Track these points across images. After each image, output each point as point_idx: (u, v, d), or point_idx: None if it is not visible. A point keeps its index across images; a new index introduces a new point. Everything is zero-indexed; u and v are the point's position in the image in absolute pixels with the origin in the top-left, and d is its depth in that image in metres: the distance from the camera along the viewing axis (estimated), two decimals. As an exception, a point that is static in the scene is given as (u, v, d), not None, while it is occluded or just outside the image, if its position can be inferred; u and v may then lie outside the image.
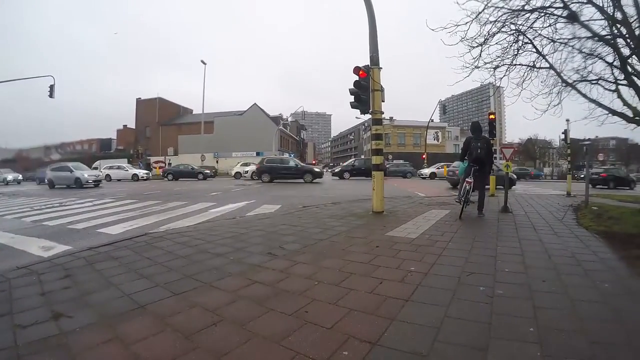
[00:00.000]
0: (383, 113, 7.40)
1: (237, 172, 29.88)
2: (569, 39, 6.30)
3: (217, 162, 39.61)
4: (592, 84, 6.41)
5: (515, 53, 6.70)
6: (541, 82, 6.92)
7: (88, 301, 2.63)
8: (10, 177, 31.48)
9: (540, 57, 6.65)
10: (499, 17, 6.31)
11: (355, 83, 7.27)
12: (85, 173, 21.09)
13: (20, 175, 33.21)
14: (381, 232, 5.14)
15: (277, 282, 2.99)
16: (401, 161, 37.18)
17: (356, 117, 64.12)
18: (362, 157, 45.88)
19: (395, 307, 2.40)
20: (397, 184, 19.58)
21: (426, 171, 30.07)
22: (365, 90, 7.24)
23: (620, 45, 5.80)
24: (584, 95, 6.37)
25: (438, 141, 55.25)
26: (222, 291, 2.78)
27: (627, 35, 5.60)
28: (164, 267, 3.46)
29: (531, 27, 6.42)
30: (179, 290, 2.81)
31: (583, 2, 5.86)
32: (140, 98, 60.04)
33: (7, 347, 1.97)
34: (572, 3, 5.86)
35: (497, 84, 7.48)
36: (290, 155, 47.15)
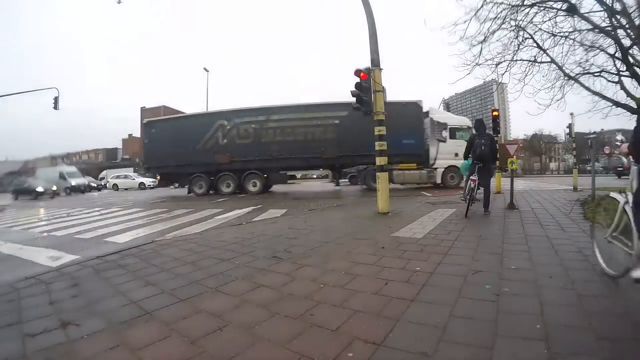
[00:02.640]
0: (385, 114, 7.39)
1: None
2: (570, 32, 6.30)
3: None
4: (595, 76, 6.38)
5: (516, 49, 6.70)
6: (543, 76, 6.93)
7: (95, 309, 2.66)
8: None
9: (541, 52, 6.64)
10: (498, 14, 6.32)
11: (357, 85, 7.28)
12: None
13: None
14: (387, 232, 5.13)
15: (283, 285, 2.99)
16: None
17: (360, 119, 63.91)
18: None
19: (400, 307, 2.40)
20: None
21: None
22: (367, 91, 7.24)
23: (621, 37, 5.77)
24: (587, 88, 6.34)
25: (443, 139, 54.89)
26: (227, 296, 2.80)
27: (627, 26, 5.56)
28: (170, 274, 3.48)
29: (531, 22, 6.42)
30: (185, 296, 2.82)
31: None
32: (144, 107, 60.44)
33: (16, 355, 1.99)
34: None
35: (500, 80, 7.47)
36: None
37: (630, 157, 2.76)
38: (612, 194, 3.08)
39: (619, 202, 2.82)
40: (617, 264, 2.73)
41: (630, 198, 2.58)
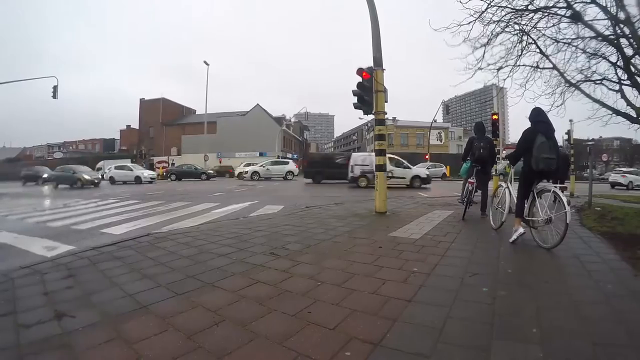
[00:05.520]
0: (386, 114, 7.38)
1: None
2: (573, 39, 6.27)
3: (220, 162, 39.56)
4: (596, 84, 6.37)
5: (519, 54, 6.67)
6: (544, 82, 6.90)
7: (91, 301, 2.64)
8: None
9: (544, 58, 6.62)
10: (502, 17, 6.29)
11: (359, 84, 7.27)
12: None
13: None
14: (384, 232, 5.13)
15: (280, 282, 2.98)
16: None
17: (359, 118, 63.95)
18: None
19: (398, 307, 2.40)
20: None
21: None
22: (369, 91, 7.24)
23: (623, 45, 5.76)
24: (588, 96, 6.34)
25: (441, 141, 55.09)
26: (224, 291, 2.79)
27: (630, 35, 5.56)
28: (166, 268, 3.47)
29: (535, 27, 6.40)
30: (182, 290, 2.81)
31: (587, 2, 5.83)
32: (143, 98, 60.16)
33: (10, 346, 1.98)
34: (576, 3, 5.82)
35: (501, 85, 7.46)
36: (294, 156, 47.12)
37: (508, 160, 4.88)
38: (500, 182, 6.15)
39: (503, 187, 5.24)
40: (497, 222, 5.27)
41: (510, 186, 5.01)
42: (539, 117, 4.35)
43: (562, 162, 4.38)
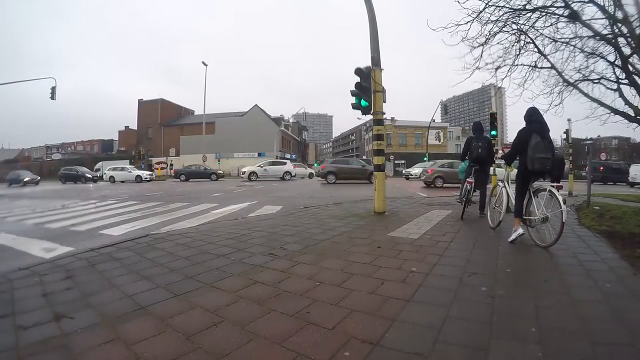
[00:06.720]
0: (384, 114, 7.38)
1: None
2: (571, 39, 6.30)
3: (218, 161, 39.39)
4: (594, 83, 6.40)
5: (517, 53, 6.69)
6: (542, 82, 6.93)
7: (89, 302, 2.63)
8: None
9: (542, 57, 6.64)
10: (500, 17, 6.31)
11: (357, 84, 7.25)
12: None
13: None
14: (383, 232, 5.13)
15: (279, 282, 2.98)
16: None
17: (357, 118, 63.95)
18: (364, 157, 45.52)
19: (396, 307, 2.40)
20: (398, 184, 19.53)
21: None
22: (367, 92, 7.21)
23: (621, 45, 5.78)
24: (586, 95, 6.36)
25: (439, 141, 55.15)
26: (223, 292, 2.78)
27: (628, 35, 5.58)
28: (165, 268, 3.46)
29: (533, 27, 6.41)
30: (180, 291, 2.80)
31: (584, 1, 5.85)
32: (142, 99, 60.10)
33: (9, 348, 1.97)
34: (574, 2, 5.85)
35: (499, 85, 7.47)
36: (292, 157, 47.11)
37: (504, 161, 4.84)
38: (499, 182, 5.56)
39: (500, 186, 5.27)
40: (494, 221, 5.33)
41: (506, 185, 5.07)
42: (533, 117, 4.40)
43: (557, 163, 4.44)
